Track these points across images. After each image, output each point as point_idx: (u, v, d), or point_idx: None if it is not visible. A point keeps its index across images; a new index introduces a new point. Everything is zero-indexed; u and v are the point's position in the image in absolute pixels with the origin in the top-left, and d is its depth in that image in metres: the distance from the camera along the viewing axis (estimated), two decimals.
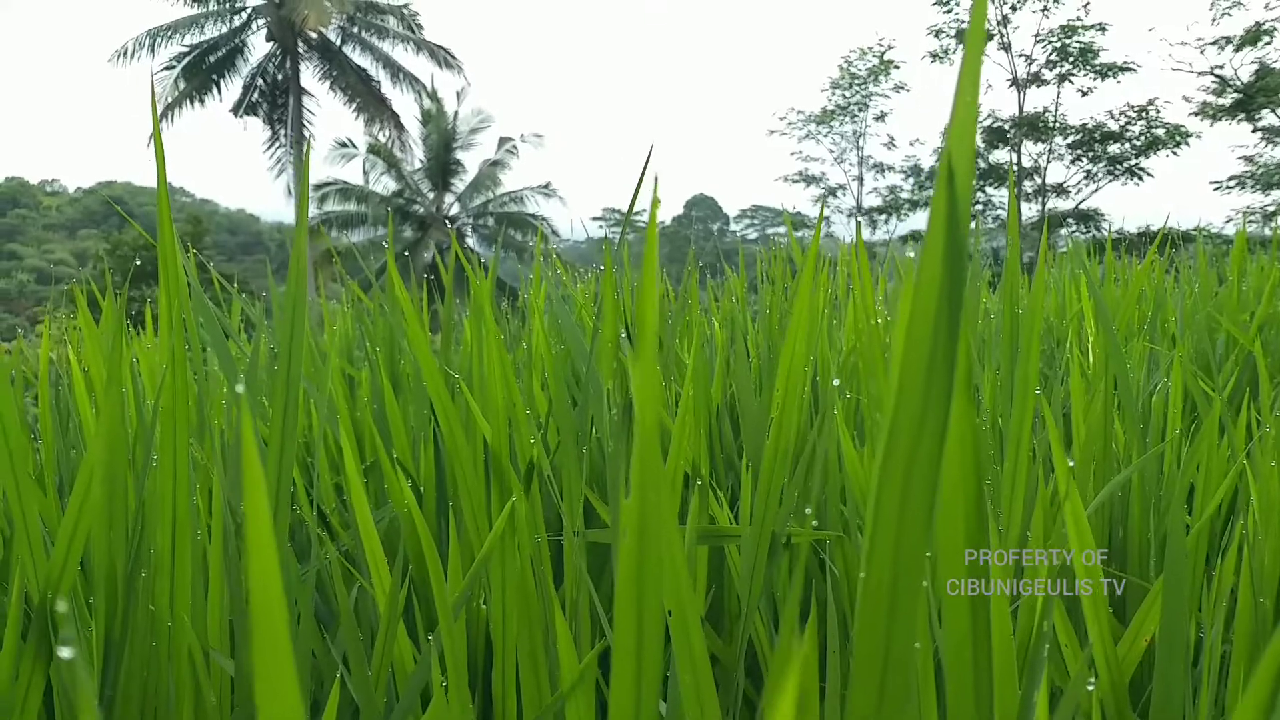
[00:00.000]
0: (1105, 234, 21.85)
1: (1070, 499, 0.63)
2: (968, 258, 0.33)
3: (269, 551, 0.22)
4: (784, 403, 0.73)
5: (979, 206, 24.15)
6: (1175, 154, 21.87)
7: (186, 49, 26.73)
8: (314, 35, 26.46)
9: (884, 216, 26.61)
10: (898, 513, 0.34)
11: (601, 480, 1.17)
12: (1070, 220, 22.71)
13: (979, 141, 23.70)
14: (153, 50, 26.11)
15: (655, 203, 0.34)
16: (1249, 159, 21.49)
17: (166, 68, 26.51)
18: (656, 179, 0.53)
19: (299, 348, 0.67)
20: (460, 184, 31.71)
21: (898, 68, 26.85)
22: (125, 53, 25.96)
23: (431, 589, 1.01)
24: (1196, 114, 21.40)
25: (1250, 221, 21.11)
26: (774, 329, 1.16)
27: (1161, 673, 0.62)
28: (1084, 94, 22.35)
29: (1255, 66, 20.26)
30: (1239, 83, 20.52)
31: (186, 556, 0.63)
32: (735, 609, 1.14)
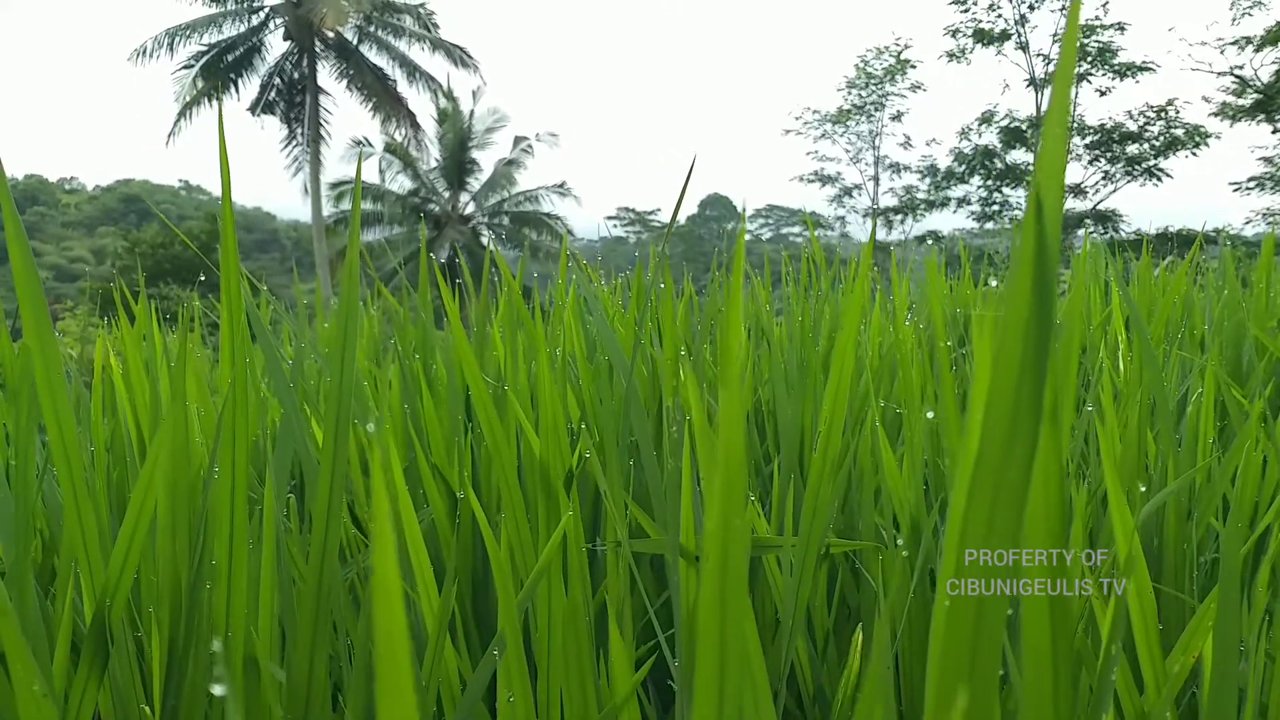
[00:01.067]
0: (1124, 235, 21.72)
1: (1135, 563, 0.63)
2: (1056, 290, 0.33)
3: (397, 608, 0.22)
4: (831, 417, 0.73)
5: (995, 207, 24.08)
6: (1194, 155, 21.73)
7: (205, 48, 26.91)
8: (331, 34, 26.59)
9: (900, 216, 26.55)
10: (983, 538, 0.34)
11: (632, 485, 1.17)
12: (1088, 221, 22.60)
13: (995, 141, 23.64)
14: (171, 49, 26.30)
15: (741, 233, 0.34)
16: (1269, 160, 21.33)
17: (185, 66, 26.70)
18: (745, 207, 0.53)
19: (350, 366, 0.67)
20: (476, 183, 31.83)
21: (914, 67, 26.81)
22: (144, 51, 26.15)
23: (469, 599, 1.01)
24: (1216, 114, 21.26)
25: (1270, 223, 20.96)
26: (807, 335, 1.16)
27: (1214, 689, 0.62)
28: (1102, 94, 22.25)
29: (1276, 67, 20.11)
30: (1259, 83, 20.37)
31: (243, 567, 0.63)
32: (769, 617, 1.14)
